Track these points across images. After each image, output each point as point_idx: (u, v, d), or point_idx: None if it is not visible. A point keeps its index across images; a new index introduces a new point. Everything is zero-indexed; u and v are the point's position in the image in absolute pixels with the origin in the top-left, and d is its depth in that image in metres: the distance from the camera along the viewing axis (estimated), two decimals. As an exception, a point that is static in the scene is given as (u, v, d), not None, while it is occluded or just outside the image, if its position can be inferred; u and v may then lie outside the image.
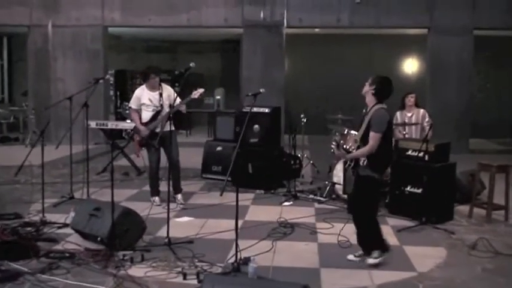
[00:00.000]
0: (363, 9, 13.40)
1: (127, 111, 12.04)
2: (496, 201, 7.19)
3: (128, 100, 14.45)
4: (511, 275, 5.20)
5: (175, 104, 6.84)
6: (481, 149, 13.80)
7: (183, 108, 7.56)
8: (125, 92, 16.01)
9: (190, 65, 6.02)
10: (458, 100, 13.35)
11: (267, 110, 8.83)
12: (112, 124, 10.49)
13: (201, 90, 7.38)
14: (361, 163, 5.37)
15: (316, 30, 14.90)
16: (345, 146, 5.50)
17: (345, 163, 5.65)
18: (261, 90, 5.60)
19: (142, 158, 7.67)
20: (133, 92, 7.94)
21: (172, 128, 7.38)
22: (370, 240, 5.48)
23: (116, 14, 13.91)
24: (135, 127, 7.70)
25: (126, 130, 10.96)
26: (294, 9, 13.53)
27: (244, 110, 9.18)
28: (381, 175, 5.46)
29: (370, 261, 5.40)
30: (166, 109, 7.36)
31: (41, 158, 6.92)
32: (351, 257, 5.56)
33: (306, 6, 13.51)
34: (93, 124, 9.68)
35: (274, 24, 13.59)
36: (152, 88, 7.51)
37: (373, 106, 5.41)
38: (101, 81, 8.18)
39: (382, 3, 13.35)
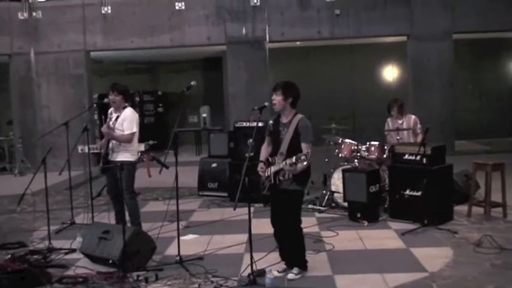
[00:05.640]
0: (343, 21, 13.62)
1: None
2: (492, 199, 7.33)
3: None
4: (520, 269, 5.32)
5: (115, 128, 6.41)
6: (465, 151, 14.01)
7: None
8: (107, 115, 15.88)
9: (192, 83, 6.08)
10: (442, 104, 13.58)
11: (260, 124, 8.87)
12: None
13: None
14: (281, 177, 5.22)
15: (298, 43, 15.07)
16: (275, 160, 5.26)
17: (266, 178, 5.33)
18: (265, 104, 5.68)
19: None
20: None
21: (123, 159, 6.53)
22: (297, 254, 5.39)
23: (98, 38, 13.92)
24: None
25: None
26: (275, 24, 13.68)
27: (237, 125, 9.24)
28: (305, 187, 5.39)
29: (291, 276, 5.29)
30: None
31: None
32: (275, 273, 5.27)
33: (287, 20, 13.67)
34: (85, 149, 9.63)
35: (256, 39, 13.73)
36: (115, 108, 6.75)
37: (295, 116, 5.32)
38: (94, 105, 8.18)
39: (361, 13, 13.55)
